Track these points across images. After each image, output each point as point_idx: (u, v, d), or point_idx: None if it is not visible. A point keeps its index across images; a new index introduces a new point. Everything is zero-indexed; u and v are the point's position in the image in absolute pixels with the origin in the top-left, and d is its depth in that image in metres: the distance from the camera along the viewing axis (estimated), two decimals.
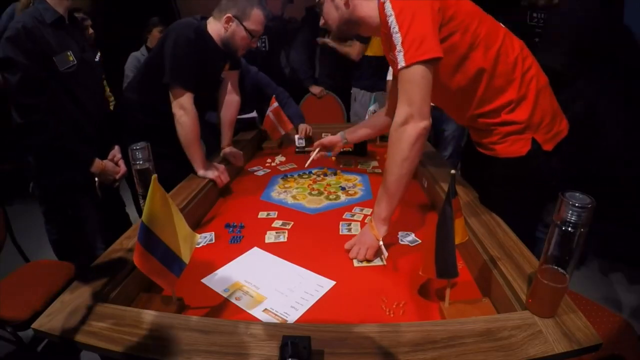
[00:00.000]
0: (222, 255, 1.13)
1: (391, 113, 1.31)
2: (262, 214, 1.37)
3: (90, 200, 1.63)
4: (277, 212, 1.38)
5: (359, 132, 1.62)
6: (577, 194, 0.67)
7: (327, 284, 0.99)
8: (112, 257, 0.97)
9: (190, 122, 1.48)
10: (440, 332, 0.71)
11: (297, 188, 1.59)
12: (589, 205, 0.65)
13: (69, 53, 1.44)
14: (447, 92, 1.11)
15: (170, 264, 0.83)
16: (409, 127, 0.98)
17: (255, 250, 1.16)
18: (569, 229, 0.67)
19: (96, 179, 1.57)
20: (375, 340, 0.70)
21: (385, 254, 1.03)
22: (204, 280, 1.02)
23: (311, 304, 0.92)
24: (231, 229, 1.28)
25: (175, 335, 0.73)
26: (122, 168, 1.67)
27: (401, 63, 0.96)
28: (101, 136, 1.64)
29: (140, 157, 0.99)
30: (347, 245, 1.12)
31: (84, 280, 0.89)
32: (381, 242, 1.04)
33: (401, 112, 0.99)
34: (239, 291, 0.98)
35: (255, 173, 1.79)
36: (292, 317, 0.88)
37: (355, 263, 1.07)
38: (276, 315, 0.89)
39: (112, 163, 1.64)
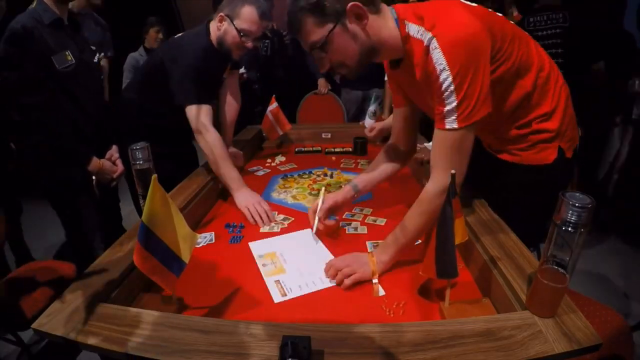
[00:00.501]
0: (222, 255, 1.13)
1: (401, 142, 1.24)
2: None
3: (89, 199, 1.63)
4: (277, 212, 1.38)
5: (373, 180, 1.29)
6: (577, 194, 0.67)
7: (327, 281, 1.00)
8: (112, 257, 0.97)
9: (214, 139, 1.44)
10: (441, 332, 0.71)
11: (297, 188, 1.59)
12: (589, 205, 0.65)
13: (67, 53, 1.46)
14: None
15: (170, 264, 0.83)
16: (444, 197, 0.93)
17: (308, 232, 1.21)
18: (569, 229, 0.67)
19: (93, 177, 1.58)
20: (375, 340, 0.70)
21: (382, 292, 0.96)
22: (250, 244, 1.17)
23: (312, 290, 0.96)
24: (231, 229, 1.28)
25: (175, 335, 0.73)
26: (120, 167, 1.68)
27: (452, 125, 0.89)
28: (99, 135, 1.65)
29: (140, 157, 0.99)
30: (333, 261, 1.03)
31: (84, 280, 0.89)
32: (376, 280, 0.98)
33: (442, 180, 0.92)
34: (270, 259, 1.09)
35: (255, 173, 1.79)
36: (291, 295, 0.95)
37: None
38: (282, 288, 0.97)
39: (110, 162, 1.65)
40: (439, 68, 0.86)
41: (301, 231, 1.24)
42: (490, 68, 0.90)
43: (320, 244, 1.16)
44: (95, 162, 1.57)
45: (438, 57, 0.85)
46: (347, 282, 0.96)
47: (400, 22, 0.95)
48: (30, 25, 1.37)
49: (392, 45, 0.96)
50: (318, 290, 0.96)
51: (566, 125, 1.06)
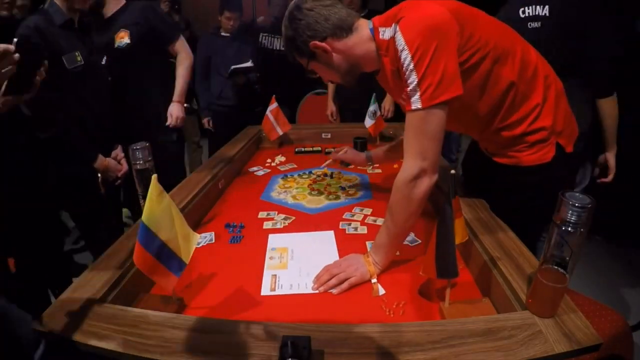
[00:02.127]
0: (222, 255, 1.13)
1: None
2: (262, 214, 1.37)
3: (96, 195, 1.70)
4: (277, 212, 1.38)
5: (386, 158, 1.54)
6: (577, 194, 0.67)
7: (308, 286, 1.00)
8: (112, 257, 0.97)
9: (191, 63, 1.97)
10: (440, 332, 0.71)
11: (297, 188, 1.59)
12: (589, 205, 0.65)
13: (77, 53, 1.53)
14: (470, 114, 1.03)
15: (170, 264, 0.83)
16: (420, 182, 0.92)
17: (330, 234, 1.22)
18: (569, 229, 0.67)
19: (99, 175, 1.65)
20: (375, 340, 0.70)
21: (382, 291, 0.95)
22: (270, 235, 1.21)
23: (302, 292, 0.96)
24: (231, 229, 1.28)
25: (175, 335, 0.73)
26: (125, 166, 1.75)
27: (416, 104, 0.88)
28: (105, 135, 1.71)
29: (140, 157, 0.99)
30: (329, 266, 1.02)
31: (84, 280, 0.89)
32: (375, 280, 0.97)
33: (413, 165, 0.91)
34: (279, 254, 1.11)
35: (255, 173, 1.79)
36: (279, 291, 0.96)
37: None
38: (274, 283, 0.99)
39: (115, 161, 1.72)
40: (399, 49, 0.88)
41: (323, 232, 1.23)
42: (464, 56, 0.91)
43: (334, 248, 1.15)
44: (101, 161, 1.63)
45: (399, 39, 0.88)
46: (344, 286, 0.95)
47: (375, 31, 1.00)
48: (42, 25, 1.44)
49: (369, 58, 1.03)
50: (306, 294, 0.96)
51: (561, 121, 1.04)
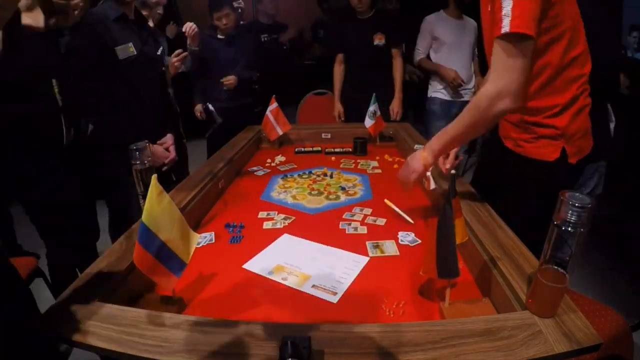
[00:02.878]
0: (222, 255, 1.13)
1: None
2: (262, 214, 1.37)
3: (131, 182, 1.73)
4: (277, 212, 1.38)
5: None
6: (577, 194, 0.67)
7: (362, 260, 1.07)
8: (112, 257, 0.97)
9: None
10: (440, 332, 0.71)
11: (297, 188, 1.59)
12: (589, 205, 0.65)
13: (130, 45, 1.62)
14: None
15: (170, 264, 0.83)
16: (499, 102, 0.93)
17: (286, 236, 1.22)
18: (569, 229, 0.67)
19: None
20: (375, 340, 0.70)
21: (433, 185, 1.03)
22: (245, 266, 1.07)
23: (353, 277, 1.00)
24: (231, 229, 1.28)
25: (175, 335, 0.73)
26: (172, 154, 1.81)
27: (506, 29, 0.89)
28: (155, 124, 1.77)
29: (140, 157, 0.99)
30: (399, 174, 1.19)
31: (84, 280, 0.89)
32: (429, 173, 1.04)
33: (497, 83, 0.93)
34: (283, 272, 1.04)
35: (255, 173, 1.79)
36: (340, 289, 0.96)
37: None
38: (325, 289, 0.96)
39: (162, 148, 1.79)
40: None
41: (279, 238, 1.21)
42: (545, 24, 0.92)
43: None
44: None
45: None
46: (412, 178, 1.13)
47: None
48: (95, 21, 1.56)
49: None
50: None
51: (575, 129, 1.05)
